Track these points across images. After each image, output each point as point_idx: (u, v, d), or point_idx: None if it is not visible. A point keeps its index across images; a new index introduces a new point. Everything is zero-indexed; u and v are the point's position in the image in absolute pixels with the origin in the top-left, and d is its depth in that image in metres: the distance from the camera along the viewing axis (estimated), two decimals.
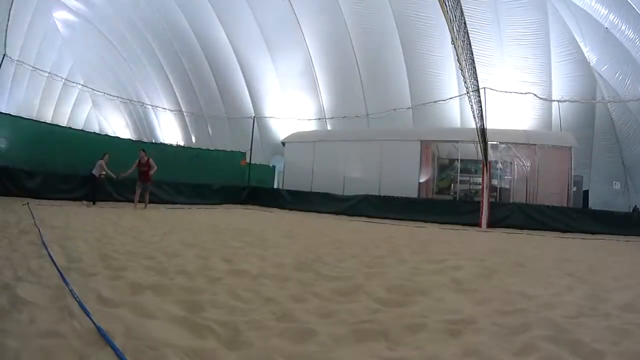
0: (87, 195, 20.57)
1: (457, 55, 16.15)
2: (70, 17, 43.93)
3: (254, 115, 37.56)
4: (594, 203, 25.13)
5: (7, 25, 21.40)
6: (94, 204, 20.21)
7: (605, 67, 24.57)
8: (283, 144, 32.57)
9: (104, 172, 20.51)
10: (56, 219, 12.87)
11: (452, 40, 15.22)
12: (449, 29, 14.50)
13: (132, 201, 20.63)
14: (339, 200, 26.28)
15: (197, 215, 18.88)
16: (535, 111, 27.41)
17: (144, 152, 20.78)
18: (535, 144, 23.65)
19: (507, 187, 25.72)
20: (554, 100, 25.55)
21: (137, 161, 20.39)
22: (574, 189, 23.67)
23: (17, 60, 30.41)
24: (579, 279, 7.46)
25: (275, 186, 35.93)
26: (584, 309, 5.21)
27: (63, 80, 43.57)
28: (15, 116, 22.03)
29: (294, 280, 6.25)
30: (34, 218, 12.12)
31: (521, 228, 20.41)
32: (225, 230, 13.20)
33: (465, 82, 18.12)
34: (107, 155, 20.68)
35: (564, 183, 23.01)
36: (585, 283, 7.10)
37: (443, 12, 12.86)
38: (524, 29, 25.19)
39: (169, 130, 49.49)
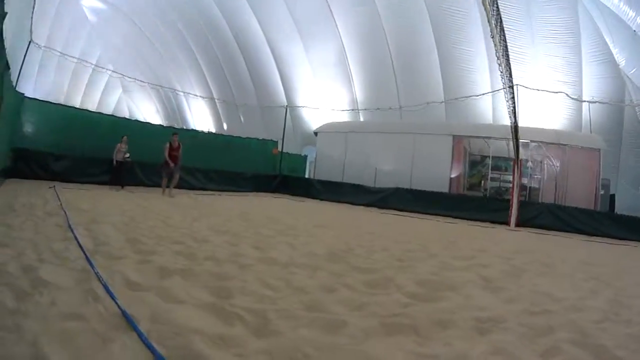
0: (111, 181, 20.60)
1: (495, 49, 16.06)
2: (99, 4, 44.01)
3: (286, 104, 37.29)
4: (619, 207, 24.69)
5: (33, 12, 21.45)
6: (122, 187, 20.13)
7: (634, 69, 24.03)
8: (315, 133, 32.46)
9: (128, 155, 20.41)
10: (83, 202, 12.86)
11: (492, 35, 15.16)
12: (488, 21, 14.44)
13: (161, 186, 20.49)
14: (370, 192, 26.04)
15: (227, 202, 18.81)
16: (565, 111, 26.95)
17: (176, 135, 20.23)
18: (565, 144, 23.33)
19: (537, 186, 25.41)
20: (585, 101, 25.06)
21: (168, 144, 19.63)
22: (602, 192, 23.39)
23: (43, 47, 30.51)
24: (604, 283, 7.43)
25: (306, 176, 35.68)
26: (607, 314, 5.22)
27: (92, 66, 43.73)
28: (43, 101, 21.97)
29: (324, 271, 6.23)
30: (60, 201, 12.11)
31: (548, 229, 20.14)
32: (256, 218, 13.17)
33: (502, 78, 18.03)
34: (125, 137, 20.39)
35: (591, 185, 22.64)
36: (610, 288, 7.07)
37: (483, 4, 12.77)
38: (556, 27, 24.78)
39: (200, 117, 49.44)
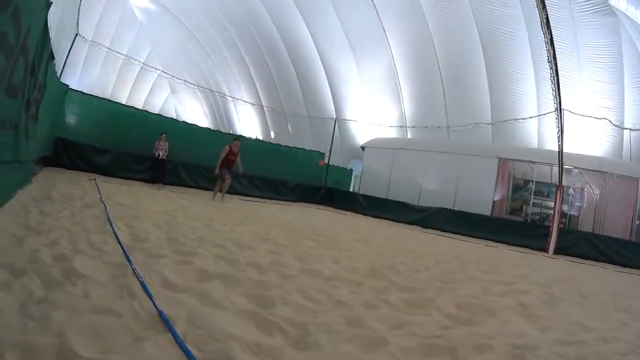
0: (152, 178, 20.83)
1: (550, 73, 16.13)
2: (149, 5, 44.49)
3: (335, 116, 37.52)
4: None
5: (80, 5, 21.68)
6: (162, 185, 20.57)
7: None
8: (363, 148, 32.55)
9: (158, 152, 20.54)
10: (123, 197, 12.98)
11: (548, 59, 15.21)
12: (545, 43, 14.43)
13: (204, 189, 20.49)
14: (414, 211, 26.08)
15: (271, 210, 18.90)
16: (606, 138, 26.61)
17: (238, 141, 19.67)
18: (606, 172, 23.09)
19: (576, 214, 25.22)
20: (627, 129, 24.84)
21: (227, 147, 18.94)
22: (638, 222, 23.07)
23: (90, 41, 30.89)
24: (633, 316, 7.31)
25: (351, 189, 35.90)
26: (633, 347, 5.13)
27: (141, 64, 44.23)
28: (87, 94, 22.20)
29: (366, 286, 6.17)
30: (100, 193, 12.19)
31: (585, 257, 19.97)
32: (299, 228, 13.16)
33: (555, 103, 18.04)
34: (163, 134, 20.78)
35: (628, 215, 22.42)
36: (638, 321, 6.95)
37: (542, 28, 12.77)
38: (600, 51, 24.51)
39: (248, 123, 49.77)
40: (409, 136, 34.50)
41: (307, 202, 29.35)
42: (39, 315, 3.11)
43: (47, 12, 8.09)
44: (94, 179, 16.77)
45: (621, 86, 24.64)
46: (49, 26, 9.01)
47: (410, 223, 25.00)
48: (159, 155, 20.44)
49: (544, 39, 16.06)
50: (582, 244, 20.63)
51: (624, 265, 19.13)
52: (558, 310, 6.84)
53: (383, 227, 20.85)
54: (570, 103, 23.56)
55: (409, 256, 10.66)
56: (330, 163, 33.34)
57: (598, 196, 23.58)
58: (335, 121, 36.40)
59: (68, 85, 20.45)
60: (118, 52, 37.59)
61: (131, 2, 43.32)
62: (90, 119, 21.00)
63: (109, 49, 35.85)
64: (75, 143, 19.74)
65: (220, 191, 19.27)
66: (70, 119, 20.56)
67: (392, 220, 25.47)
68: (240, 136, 29.66)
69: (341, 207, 29.29)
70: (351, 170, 37.24)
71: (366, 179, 31.17)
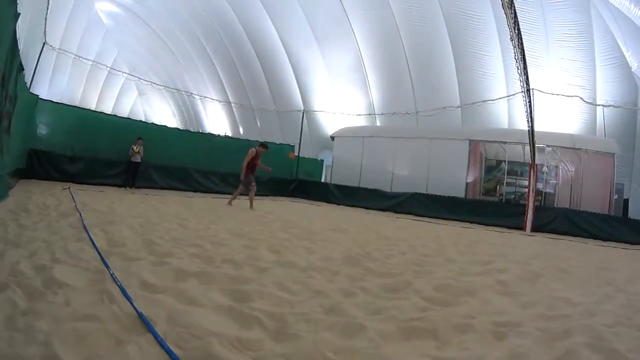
0: (125, 181, 20.96)
1: (514, 52, 16.09)
2: (114, 8, 44.25)
3: (303, 108, 37.41)
4: (633, 212, 24.50)
5: (47, 14, 21.49)
6: (133, 187, 20.65)
7: None
8: (332, 138, 32.51)
9: (132, 156, 20.81)
10: (98, 203, 12.87)
11: (511, 38, 15.21)
12: (507, 24, 14.42)
13: (176, 189, 20.41)
14: (387, 197, 26.15)
15: (244, 206, 18.79)
16: (579, 115, 26.83)
17: (265, 148, 19.20)
18: (580, 149, 23.16)
19: (552, 191, 25.41)
20: (599, 105, 24.91)
21: (254, 151, 18.61)
22: (615, 196, 23.25)
23: (58, 49, 30.61)
24: (617, 288, 7.37)
25: (323, 180, 35.83)
26: (620, 319, 5.15)
27: (108, 68, 43.90)
28: (57, 102, 22.05)
29: (342, 275, 6.22)
30: (74, 202, 12.13)
31: (563, 233, 20.09)
32: (273, 222, 13.18)
33: (520, 82, 18.03)
34: (140, 139, 21.02)
35: (606, 190, 22.54)
36: (623, 292, 7.01)
37: (503, 7, 12.77)
38: (569, 30, 24.71)
39: (217, 121, 49.65)
40: (378, 123, 34.65)
41: (280, 195, 29.43)
42: (25, 326, 3.13)
43: (16, 23, 8.06)
44: (68, 187, 16.70)
45: (592, 64, 24.79)
46: (17, 37, 8.98)
47: (384, 210, 25.12)
48: (131, 158, 20.61)
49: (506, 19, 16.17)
50: (560, 220, 20.79)
51: (604, 239, 19.30)
52: (538, 286, 6.90)
53: (357, 215, 20.94)
54: (540, 82, 23.60)
55: (384, 242, 10.73)
56: (301, 155, 33.30)
57: (573, 173, 23.73)
58: (303, 113, 36.37)
59: (38, 96, 20.31)
60: (85, 58, 37.23)
61: (96, 6, 43.01)
62: (61, 127, 20.83)
63: (76, 55, 35.50)
64: (48, 153, 19.68)
65: (238, 195, 19.09)
66: (42, 130, 20.40)
67: (366, 208, 25.52)
68: (209, 134, 29.82)
69: (314, 198, 29.42)
70: (322, 161, 37.19)
71: (337, 169, 31.17)
